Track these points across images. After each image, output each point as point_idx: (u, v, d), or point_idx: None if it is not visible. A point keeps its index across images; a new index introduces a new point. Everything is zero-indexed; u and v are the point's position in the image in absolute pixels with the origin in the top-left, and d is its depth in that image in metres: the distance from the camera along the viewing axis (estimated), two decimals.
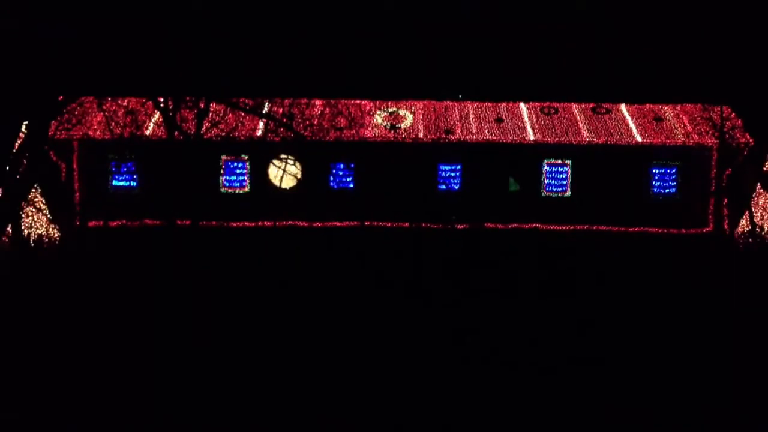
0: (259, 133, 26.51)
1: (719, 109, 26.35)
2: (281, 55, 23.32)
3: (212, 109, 24.84)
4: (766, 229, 25.92)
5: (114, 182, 27.29)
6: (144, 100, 25.43)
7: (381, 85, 28.34)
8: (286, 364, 13.27)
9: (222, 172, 27.23)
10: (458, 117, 28.01)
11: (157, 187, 26.12)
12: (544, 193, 27.39)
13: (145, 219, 26.35)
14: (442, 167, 27.51)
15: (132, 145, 25.87)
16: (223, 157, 27.18)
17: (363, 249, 24.64)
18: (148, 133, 26.48)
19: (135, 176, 27.15)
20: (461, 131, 27.39)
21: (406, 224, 26.90)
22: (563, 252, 24.70)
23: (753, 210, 25.83)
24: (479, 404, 11.94)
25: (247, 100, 24.14)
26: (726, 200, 26.88)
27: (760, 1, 25.11)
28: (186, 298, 17.23)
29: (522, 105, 28.47)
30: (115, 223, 26.48)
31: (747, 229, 25.90)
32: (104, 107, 24.59)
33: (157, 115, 26.14)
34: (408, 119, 27.81)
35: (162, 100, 23.48)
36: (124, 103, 26.95)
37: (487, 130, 27.43)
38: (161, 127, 24.50)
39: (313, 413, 11.37)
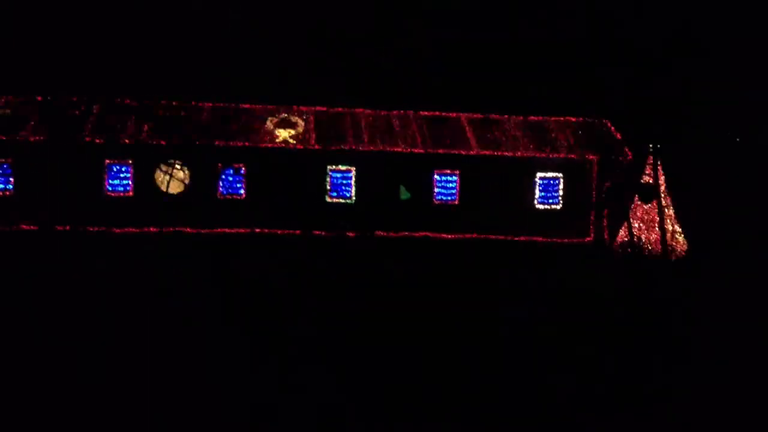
0: (144, 136, 25.74)
1: (599, 123, 27.47)
2: (168, 56, 22.83)
3: (95, 111, 24.10)
4: (643, 239, 27.11)
5: None
6: (22, 99, 24.34)
7: (272, 90, 28.12)
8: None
9: (105, 176, 26.32)
10: (350, 125, 28.09)
11: (35, 191, 25.07)
12: (435, 202, 27.79)
13: (21, 224, 25.20)
14: (334, 175, 27.49)
15: (8, 146, 24.76)
16: (107, 161, 26.28)
17: (252, 256, 24.30)
18: (25, 134, 25.20)
19: (11, 179, 25.87)
20: (353, 139, 27.48)
21: (297, 231, 26.75)
22: (452, 260, 25.05)
23: (631, 221, 26.96)
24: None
25: (132, 102, 23.53)
26: (606, 211, 28.00)
27: (636, 24, 26.38)
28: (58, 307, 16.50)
29: (412, 115, 28.87)
30: None
31: (626, 239, 27.01)
32: None
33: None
34: (300, 126, 27.66)
35: (41, 99, 22.59)
36: (1, 102, 25.78)
37: (378, 139, 27.62)
38: (40, 128, 23.51)
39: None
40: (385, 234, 27.04)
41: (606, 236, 28.00)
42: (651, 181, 27.08)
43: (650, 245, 26.94)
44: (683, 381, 13.17)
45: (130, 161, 26.24)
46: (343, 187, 27.43)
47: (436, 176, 27.75)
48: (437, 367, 13.51)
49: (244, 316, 16.65)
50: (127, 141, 25.38)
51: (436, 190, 27.76)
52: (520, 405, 12.01)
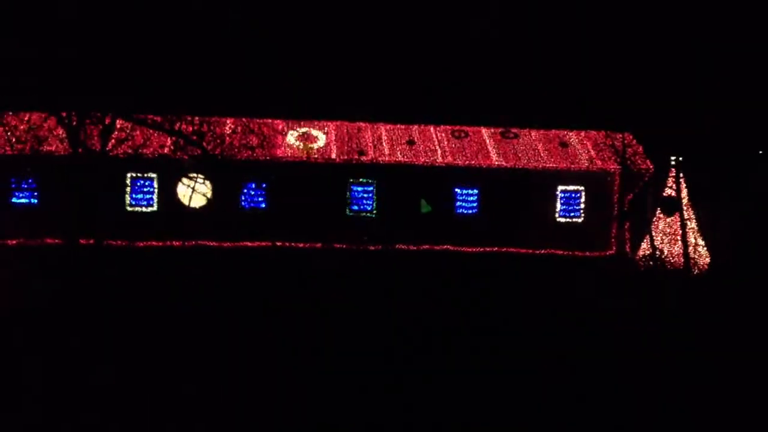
0: (167, 150, 25.91)
1: (621, 136, 27.32)
2: (191, 71, 23.00)
3: (119, 126, 24.29)
4: (665, 252, 26.90)
5: (13, 199, 26.24)
6: (46, 115, 24.57)
7: (293, 104, 28.26)
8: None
9: (128, 190, 26.58)
10: (371, 138, 28.15)
11: (59, 205, 25.28)
12: (455, 216, 27.73)
13: (45, 237, 25.44)
14: (355, 188, 27.55)
15: (33, 161, 25.02)
16: (130, 175, 26.56)
17: (274, 269, 24.38)
18: (50, 149, 25.42)
19: (36, 193, 26.17)
20: (374, 152, 27.53)
21: (319, 245, 26.78)
22: (473, 273, 24.99)
23: (653, 233, 26.79)
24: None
25: (155, 117, 23.69)
26: (627, 224, 27.82)
27: (657, 35, 26.27)
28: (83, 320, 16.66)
29: (433, 128, 28.88)
30: (13, 242, 25.47)
31: (648, 252, 26.83)
32: (3, 121, 23.81)
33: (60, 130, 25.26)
34: (321, 139, 27.77)
35: (65, 115, 22.79)
36: (26, 118, 26.07)
37: (399, 152, 27.66)
38: (64, 143, 23.73)
39: None
40: (406, 247, 26.99)
41: (628, 249, 27.80)
42: (673, 194, 26.92)
43: (672, 258, 26.74)
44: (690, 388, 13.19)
45: (154, 175, 26.48)
46: (364, 201, 27.47)
47: (457, 189, 27.72)
48: (448, 377, 13.52)
49: (262, 327, 16.77)
50: (150, 155, 25.57)
51: (457, 203, 27.73)
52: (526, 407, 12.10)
